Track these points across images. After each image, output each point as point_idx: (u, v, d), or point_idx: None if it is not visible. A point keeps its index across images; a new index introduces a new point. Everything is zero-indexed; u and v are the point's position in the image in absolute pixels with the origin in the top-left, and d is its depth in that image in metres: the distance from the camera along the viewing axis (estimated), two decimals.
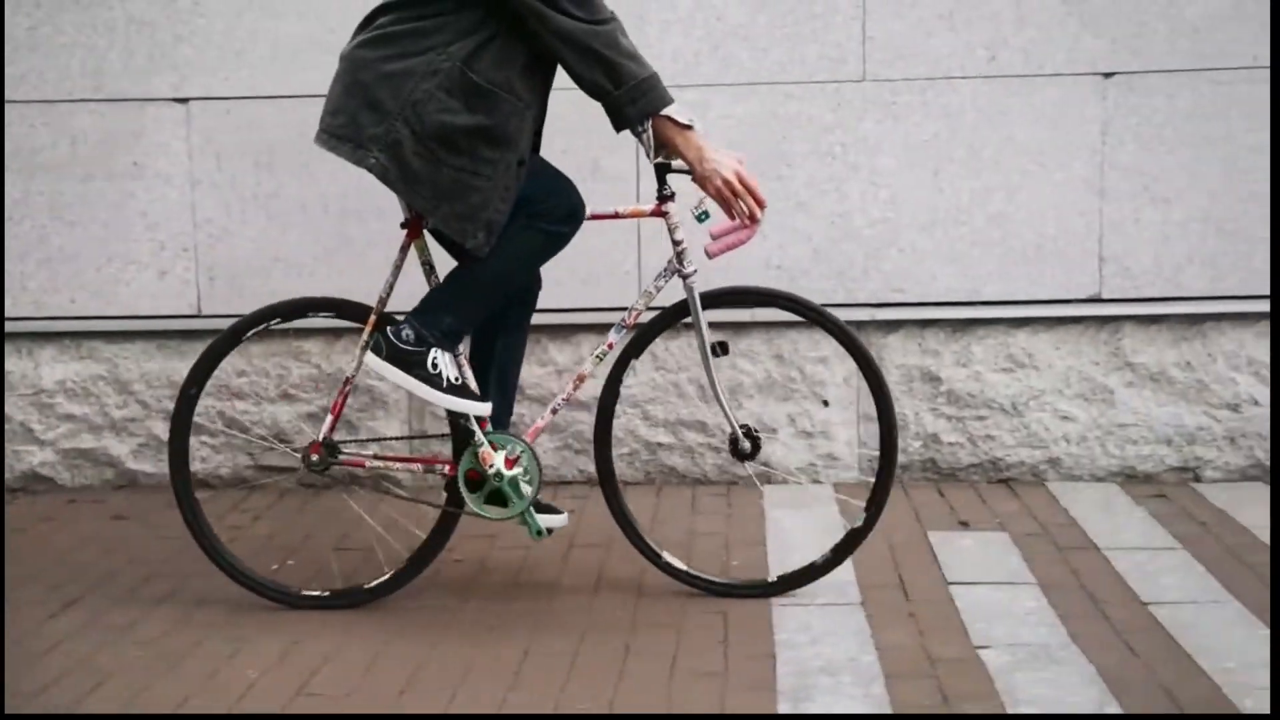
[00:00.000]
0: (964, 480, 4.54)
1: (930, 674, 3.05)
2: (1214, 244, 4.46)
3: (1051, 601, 3.48)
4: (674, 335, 4.60)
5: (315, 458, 3.55)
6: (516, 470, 3.44)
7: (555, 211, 3.36)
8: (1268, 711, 2.84)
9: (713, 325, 3.60)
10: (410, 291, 3.58)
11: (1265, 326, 4.49)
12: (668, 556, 3.62)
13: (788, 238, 4.52)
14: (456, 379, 3.38)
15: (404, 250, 3.51)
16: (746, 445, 3.55)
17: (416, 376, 3.35)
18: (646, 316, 3.68)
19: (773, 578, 3.61)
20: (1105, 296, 4.50)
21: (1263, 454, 4.52)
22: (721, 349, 3.52)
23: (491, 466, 3.43)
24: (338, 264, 4.60)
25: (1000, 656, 3.14)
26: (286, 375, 4.66)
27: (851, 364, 4.58)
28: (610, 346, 3.54)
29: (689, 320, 3.52)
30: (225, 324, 4.60)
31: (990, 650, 3.18)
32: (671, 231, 3.46)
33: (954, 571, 3.72)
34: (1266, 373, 4.50)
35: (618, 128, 3.30)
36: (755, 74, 4.50)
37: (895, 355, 4.58)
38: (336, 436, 3.60)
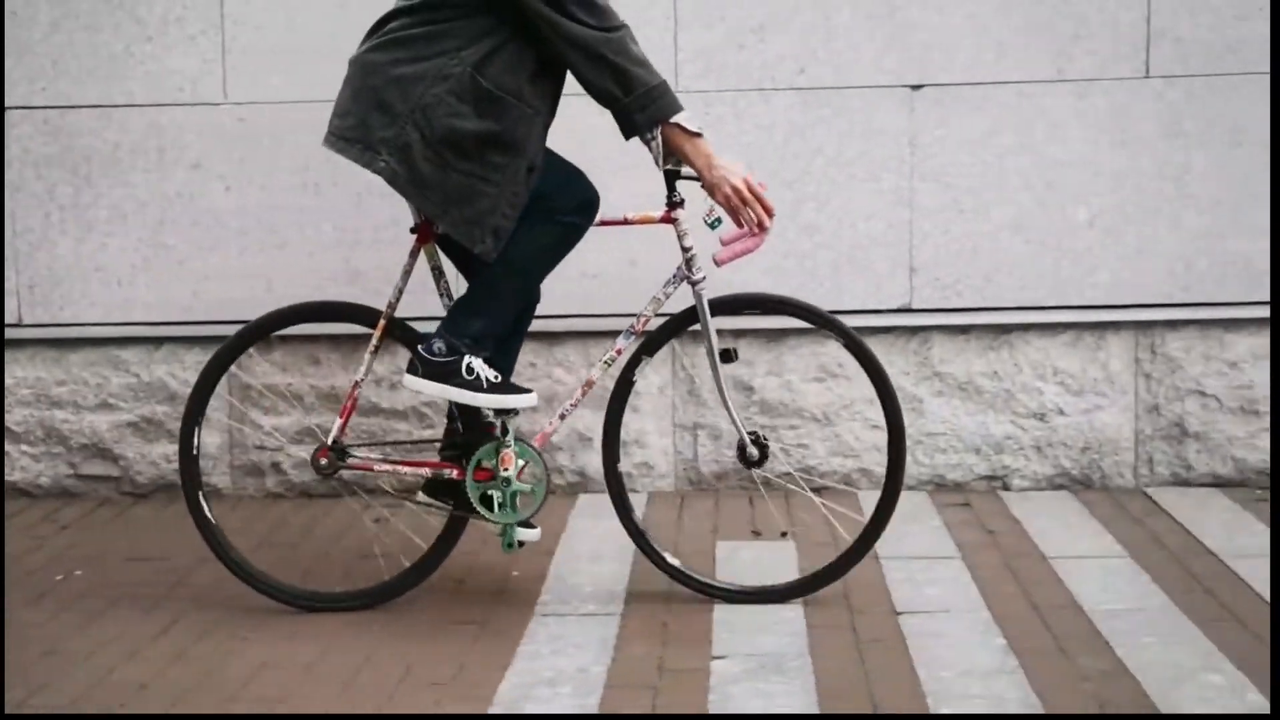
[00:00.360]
0: (778, 489, 4.57)
1: (652, 685, 3.08)
2: (1021, 254, 4.50)
3: (808, 612, 3.51)
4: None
5: (324, 462, 3.54)
6: (524, 485, 3.48)
7: (569, 203, 3.40)
8: (1268, 711, 2.86)
9: (721, 332, 3.66)
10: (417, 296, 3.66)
11: (1071, 336, 4.53)
12: (670, 559, 3.62)
13: (606, 249, 4.53)
14: (496, 377, 3.41)
15: (413, 255, 3.53)
16: (754, 452, 3.56)
17: (456, 385, 3.39)
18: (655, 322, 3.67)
19: (752, 585, 3.61)
20: (915, 306, 4.54)
21: (1069, 463, 4.55)
22: (729, 356, 3.54)
23: (507, 470, 3.46)
24: (155, 273, 4.62)
25: (732, 667, 3.17)
26: (105, 384, 4.67)
27: (668, 373, 4.62)
28: (619, 352, 3.58)
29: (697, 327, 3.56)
30: (45, 333, 4.68)
31: (725, 661, 3.21)
32: (680, 238, 3.49)
33: (725, 582, 3.74)
34: (1072, 382, 4.53)
35: (627, 135, 3.34)
36: (571, 85, 4.50)
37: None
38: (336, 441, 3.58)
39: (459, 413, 3.55)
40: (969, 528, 4.17)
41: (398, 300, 3.53)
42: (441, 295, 3.56)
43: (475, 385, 3.38)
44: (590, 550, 4.04)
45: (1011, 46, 4.44)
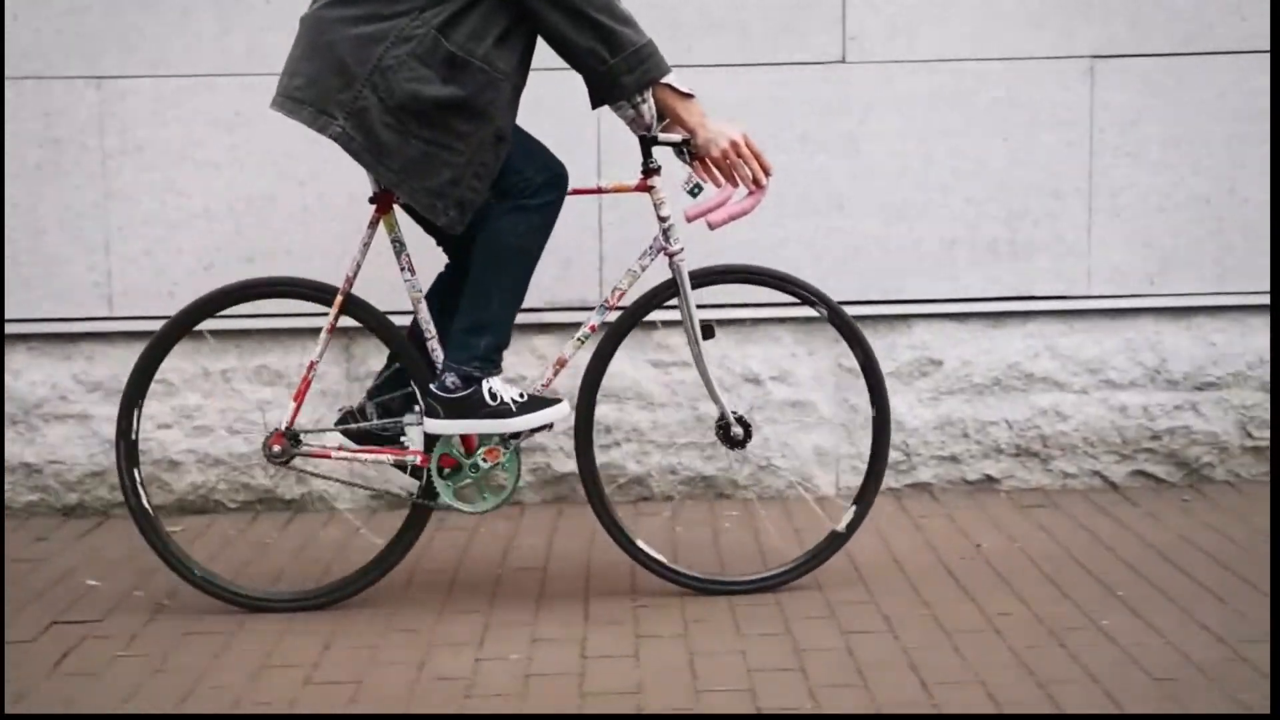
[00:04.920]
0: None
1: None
2: None
3: None
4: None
5: (277, 449, 3.34)
6: (498, 463, 3.33)
7: (533, 182, 3.21)
8: (1268, 711, 2.83)
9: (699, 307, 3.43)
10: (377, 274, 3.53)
11: None
12: (650, 550, 3.50)
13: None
14: (521, 395, 3.27)
15: (372, 226, 3.34)
16: (739, 431, 3.43)
17: (485, 417, 3.23)
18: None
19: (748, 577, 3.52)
20: None
21: None
22: (709, 331, 3.39)
23: (473, 456, 3.32)
24: None
25: None
26: None
27: None
28: (593, 329, 3.39)
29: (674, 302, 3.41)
30: None
31: None
32: (657, 207, 3.33)
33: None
34: None
35: (607, 100, 3.17)
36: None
37: None
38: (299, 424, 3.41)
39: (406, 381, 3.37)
40: None
41: (355, 274, 3.35)
42: (403, 270, 3.35)
43: (504, 412, 3.23)
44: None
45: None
